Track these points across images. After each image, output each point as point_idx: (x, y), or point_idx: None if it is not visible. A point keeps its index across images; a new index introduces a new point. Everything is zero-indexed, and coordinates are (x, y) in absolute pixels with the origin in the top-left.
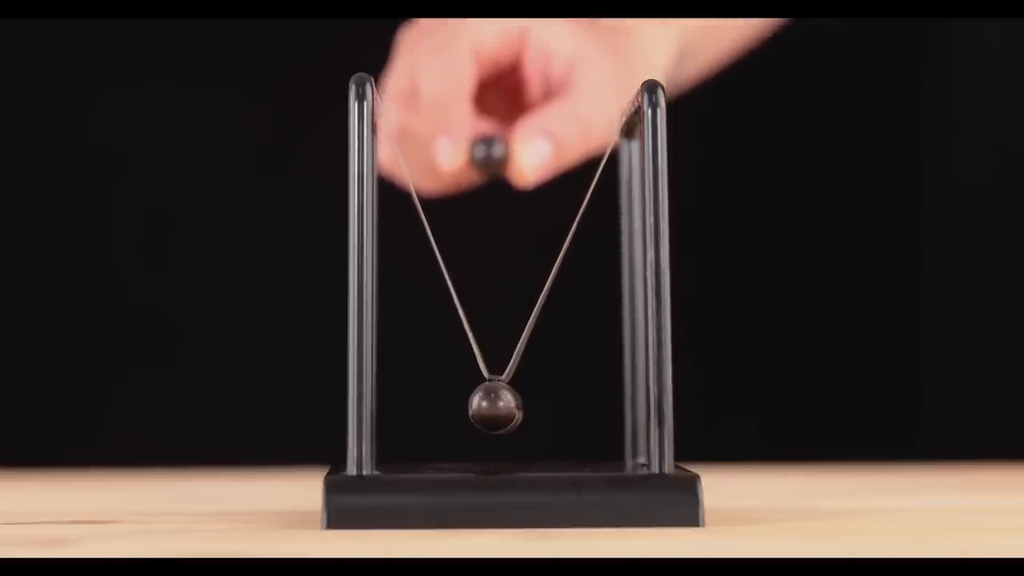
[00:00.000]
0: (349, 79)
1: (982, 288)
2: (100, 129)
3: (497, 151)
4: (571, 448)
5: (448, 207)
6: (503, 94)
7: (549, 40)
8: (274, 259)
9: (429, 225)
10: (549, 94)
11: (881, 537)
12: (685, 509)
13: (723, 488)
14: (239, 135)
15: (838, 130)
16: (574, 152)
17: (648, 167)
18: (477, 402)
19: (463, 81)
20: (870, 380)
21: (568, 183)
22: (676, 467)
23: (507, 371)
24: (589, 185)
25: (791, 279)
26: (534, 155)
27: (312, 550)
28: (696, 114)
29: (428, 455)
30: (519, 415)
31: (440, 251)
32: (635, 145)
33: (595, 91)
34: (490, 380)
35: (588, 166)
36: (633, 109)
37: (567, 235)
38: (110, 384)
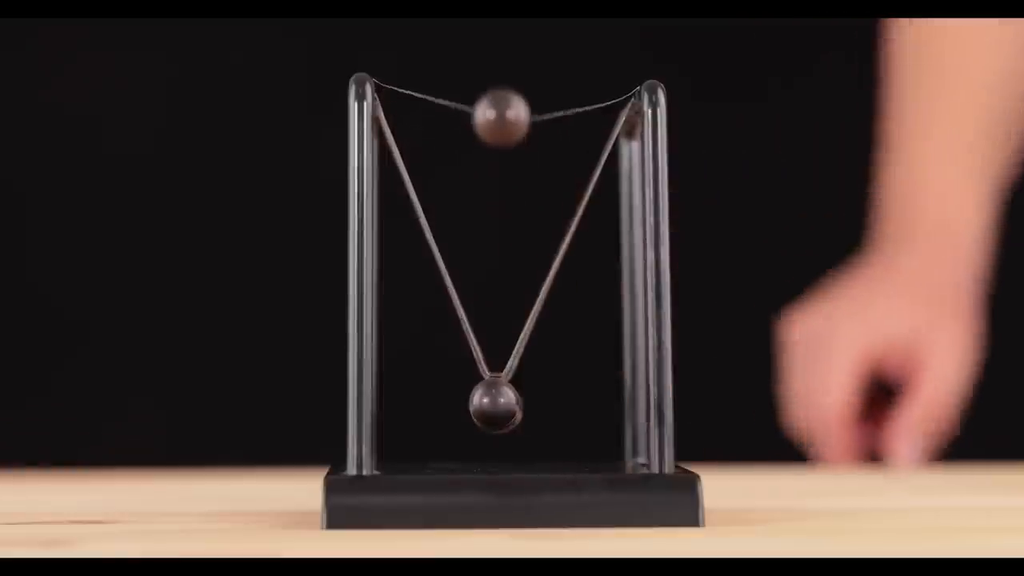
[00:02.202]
0: (349, 79)
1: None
2: (98, 128)
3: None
4: (571, 448)
5: (448, 206)
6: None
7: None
8: (274, 259)
9: (429, 225)
10: (909, 388)
11: (881, 537)
12: (685, 509)
13: (723, 488)
14: (238, 135)
15: (837, 130)
16: (943, 425)
17: (648, 167)
18: (478, 399)
19: (844, 394)
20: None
21: (568, 183)
22: (676, 467)
23: (507, 370)
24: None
25: (790, 278)
26: (915, 450)
27: (312, 550)
28: (696, 114)
29: (428, 455)
30: (520, 413)
31: (440, 251)
32: (635, 145)
33: (944, 367)
34: (490, 378)
35: (588, 166)
36: (634, 109)
37: (567, 235)
38: (110, 384)
